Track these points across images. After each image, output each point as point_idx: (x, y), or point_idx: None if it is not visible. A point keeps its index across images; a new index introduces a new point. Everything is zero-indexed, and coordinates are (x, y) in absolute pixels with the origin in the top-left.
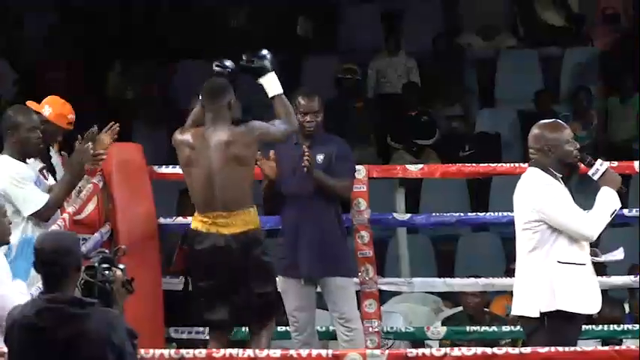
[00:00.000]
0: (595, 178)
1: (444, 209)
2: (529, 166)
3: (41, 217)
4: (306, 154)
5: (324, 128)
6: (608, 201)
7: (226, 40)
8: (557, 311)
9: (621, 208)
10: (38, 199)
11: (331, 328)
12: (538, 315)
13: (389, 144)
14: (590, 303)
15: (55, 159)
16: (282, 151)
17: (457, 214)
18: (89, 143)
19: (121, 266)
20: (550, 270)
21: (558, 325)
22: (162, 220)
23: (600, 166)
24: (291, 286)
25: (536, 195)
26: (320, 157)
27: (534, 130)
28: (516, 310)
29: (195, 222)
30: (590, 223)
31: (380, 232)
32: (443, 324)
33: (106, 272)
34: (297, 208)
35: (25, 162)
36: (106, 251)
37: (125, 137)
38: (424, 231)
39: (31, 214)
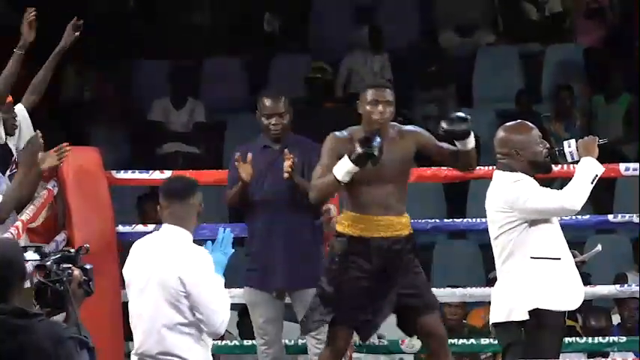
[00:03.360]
0: (575, 158)
1: (419, 215)
2: (496, 169)
3: None
4: (289, 157)
5: (292, 129)
6: (584, 169)
7: (189, 39)
8: (534, 311)
9: (606, 214)
10: None
11: (300, 341)
12: (515, 319)
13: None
14: (567, 299)
15: None
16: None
17: (433, 220)
18: (38, 131)
19: (88, 266)
20: (525, 268)
21: (536, 328)
22: (121, 228)
23: (569, 147)
24: (261, 298)
25: (506, 194)
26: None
27: (500, 134)
28: (493, 317)
29: None
30: (569, 194)
31: None
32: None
33: (60, 272)
34: (269, 215)
35: None
36: (71, 250)
37: (81, 141)
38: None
39: None
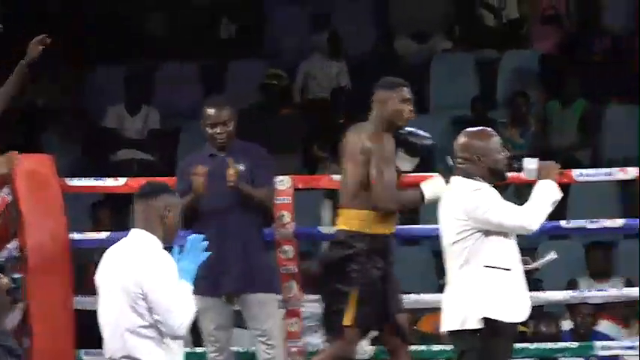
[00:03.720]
0: (533, 177)
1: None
2: (455, 175)
3: None
4: (233, 166)
5: (242, 136)
6: (545, 191)
7: (140, 45)
8: (487, 320)
9: (559, 220)
10: None
11: (251, 348)
12: (470, 327)
13: (315, 153)
14: (515, 311)
15: None
16: (195, 163)
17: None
18: None
19: (16, 275)
20: (478, 277)
21: (490, 336)
22: (74, 236)
23: (530, 164)
24: (211, 304)
25: (465, 202)
26: (241, 168)
27: (461, 139)
28: (447, 325)
29: None
30: (530, 214)
31: (306, 246)
32: (371, 343)
33: None
34: (217, 223)
35: None
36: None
37: (35, 148)
38: None
39: None
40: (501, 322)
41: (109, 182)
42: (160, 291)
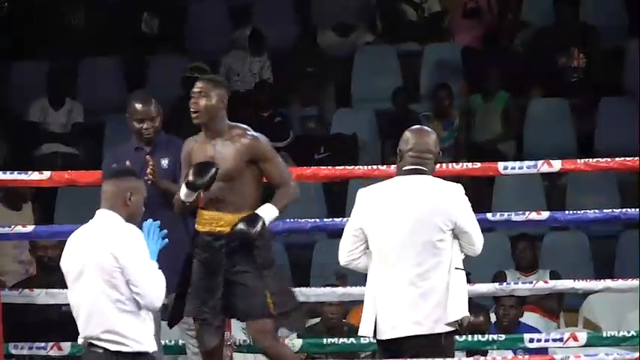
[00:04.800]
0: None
1: (299, 214)
2: (418, 173)
3: None
4: (150, 163)
5: (166, 130)
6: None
7: (62, 39)
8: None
9: (485, 212)
10: None
11: (181, 341)
12: (445, 330)
13: None
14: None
15: None
16: (121, 157)
17: (312, 219)
18: None
19: None
20: (451, 278)
21: (453, 337)
22: None
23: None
24: None
25: (454, 203)
26: (165, 162)
27: (432, 137)
28: (409, 330)
29: None
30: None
31: None
32: (299, 336)
33: None
34: (145, 218)
35: None
36: None
37: None
38: (278, 238)
39: None
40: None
41: (34, 176)
42: (136, 263)
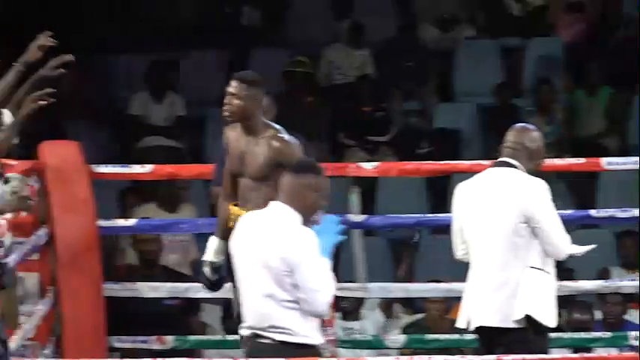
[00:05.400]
0: None
1: (402, 210)
2: (505, 166)
3: None
4: None
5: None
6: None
7: (168, 32)
8: (528, 320)
9: (590, 208)
10: None
11: None
12: (510, 325)
13: (342, 141)
14: (553, 316)
15: None
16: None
17: (415, 215)
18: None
19: (3, 261)
20: (524, 276)
21: (529, 336)
22: (102, 222)
23: None
24: None
25: (530, 198)
26: None
27: (530, 134)
28: (483, 320)
29: None
30: (568, 241)
31: None
32: (403, 332)
33: None
34: None
35: None
36: None
37: (60, 135)
38: (381, 233)
39: None
40: (543, 325)
41: (136, 169)
42: (306, 271)
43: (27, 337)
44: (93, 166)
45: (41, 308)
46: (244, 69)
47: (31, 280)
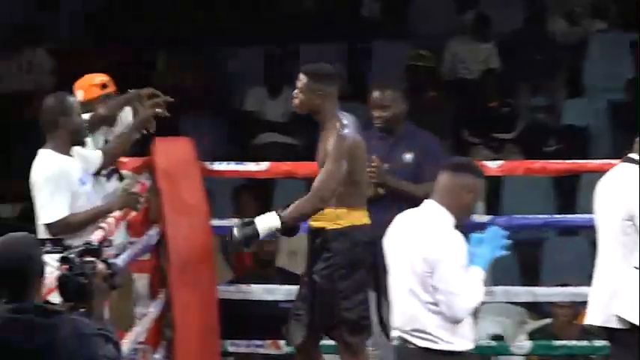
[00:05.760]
0: None
1: (528, 210)
2: (627, 162)
3: (50, 230)
4: (373, 164)
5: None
6: None
7: (286, 25)
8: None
9: None
10: (54, 211)
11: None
12: (613, 325)
13: (465, 138)
14: None
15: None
16: (368, 141)
17: (542, 216)
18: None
19: (111, 260)
20: (628, 276)
21: (631, 338)
22: (216, 222)
23: None
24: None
25: (634, 196)
26: (408, 157)
27: None
28: (589, 319)
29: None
30: None
31: None
32: (529, 338)
33: (85, 265)
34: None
35: (71, 155)
36: (93, 242)
37: (173, 131)
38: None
39: (44, 224)
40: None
41: (251, 167)
42: (445, 272)
43: (138, 341)
44: (206, 163)
45: (152, 311)
46: (364, 62)
47: (141, 281)
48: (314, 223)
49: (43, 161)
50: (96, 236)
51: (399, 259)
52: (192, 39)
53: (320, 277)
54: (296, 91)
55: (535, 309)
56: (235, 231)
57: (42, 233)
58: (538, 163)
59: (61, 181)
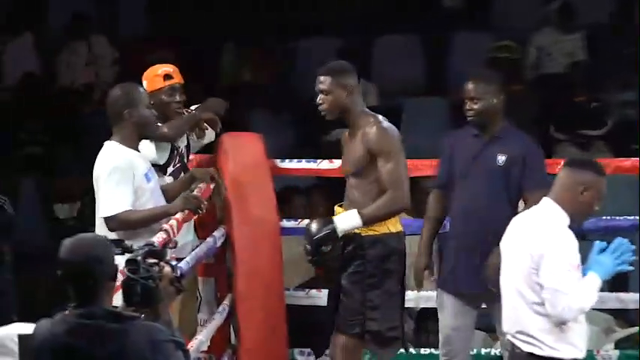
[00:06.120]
0: None
1: (617, 212)
2: None
3: (107, 224)
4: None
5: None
6: None
7: (360, 16)
8: None
9: None
10: (115, 204)
11: (494, 351)
12: None
13: (551, 135)
14: None
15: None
16: (455, 142)
17: (631, 217)
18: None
19: (173, 262)
20: None
21: None
22: (285, 223)
23: None
24: (447, 300)
25: None
26: (501, 159)
27: None
28: None
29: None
30: None
31: None
32: (615, 347)
33: (151, 267)
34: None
35: (137, 149)
36: (155, 244)
37: (242, 126)
38: (592, 237)
39: (103, 217)
40: None
41: (323, 164)
42: (550, 268)
43: (201, 349)
44: (277, 160)
45: (217, 317)
46: (445, 54)
47: (206, 285)
48: None
49: (107, 153)
50: (158, 238)
51: (510, 259)
52: (261, 30)
53: (349, 282)
54: (320, 95)
55: (623, 317)
56: (313, 230)
57: (98, 228)
58: (628, 161)
59: (126, 174)
